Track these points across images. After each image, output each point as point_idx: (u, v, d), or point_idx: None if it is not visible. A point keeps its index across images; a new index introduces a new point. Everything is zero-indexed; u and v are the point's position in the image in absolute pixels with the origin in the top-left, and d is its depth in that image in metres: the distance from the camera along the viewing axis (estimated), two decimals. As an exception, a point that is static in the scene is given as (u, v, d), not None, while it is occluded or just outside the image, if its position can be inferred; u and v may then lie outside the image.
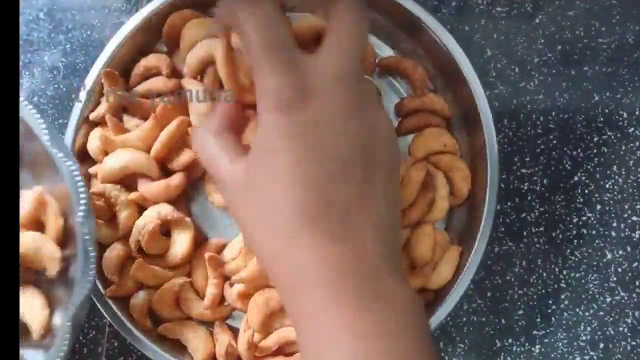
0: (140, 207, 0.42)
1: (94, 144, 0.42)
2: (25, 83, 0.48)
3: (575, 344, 0.45)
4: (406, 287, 0.27)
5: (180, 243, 0.42)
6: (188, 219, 0.42)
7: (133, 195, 0.42)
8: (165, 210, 0.41)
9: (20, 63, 0.48)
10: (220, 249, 0.43)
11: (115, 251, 0.41)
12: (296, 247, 0.26)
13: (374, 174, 0.27)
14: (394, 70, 0.45)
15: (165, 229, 0.42)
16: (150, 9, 0.43)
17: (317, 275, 0.26)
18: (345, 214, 0.26)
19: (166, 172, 0.43)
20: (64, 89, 0.48)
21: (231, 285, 0.42)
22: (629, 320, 0.45)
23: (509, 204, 0.46)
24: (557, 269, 0.45)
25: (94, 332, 0.45)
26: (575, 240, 0.46)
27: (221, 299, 0.43)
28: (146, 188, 0.41)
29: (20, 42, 0.48)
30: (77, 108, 0.43)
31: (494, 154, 0.41)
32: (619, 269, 0.45)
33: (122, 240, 0.42)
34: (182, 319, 0.43)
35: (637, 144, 0.47)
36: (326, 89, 0.26)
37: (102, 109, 0.42)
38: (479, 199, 0.42)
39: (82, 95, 0.43)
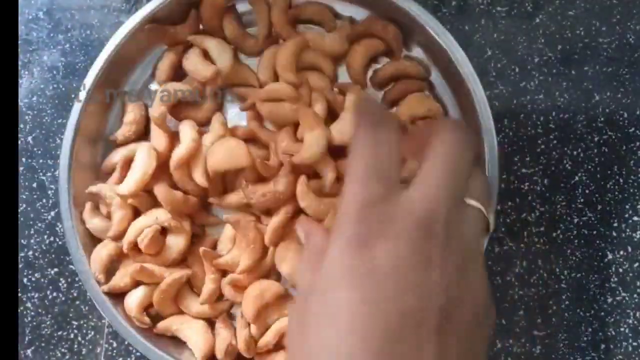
0: (135, 209, 0.43)
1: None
2: (25, 83, 0.47)
3: (576, 344, 0.45)
4: None
5: (176, 245, 0.42)
6: (186, 224, 0.42)
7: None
8: (163, 216, 0.41)
9: (20, 63, 0.48)
10: (215, 243, 0.44)
11: (105, 249, 0.41)
12: None
13: (445, 336, 0.24)
14: (366, 36, 0.44)
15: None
16: (149, 8, 0.43)
17: None
18: None
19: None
20: (64, 89, 0.48)
21: (224, 276, 0.42)
22: (630, 321, 0.45)
23: (509, 204, 0.46)
24: (557, 269, 0.45)
25: (92, 333, 0.45)
26: (575, 241, 0.46)
27: (220, 295, 0.43)
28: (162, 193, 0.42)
29: (20, 42, 0.48)
30: (77, 108, 0.42)
31: (494, 154, 0.41)
32: (620, 270, 0.45)
33: (113, 239, 0.42)
34: (179, 313, 0.43)
35: (638, 144, 0.47)
36: (405, 233, 0.24)
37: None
38: (479, 199, 0.41)
39: (82, 95, 0.42)
